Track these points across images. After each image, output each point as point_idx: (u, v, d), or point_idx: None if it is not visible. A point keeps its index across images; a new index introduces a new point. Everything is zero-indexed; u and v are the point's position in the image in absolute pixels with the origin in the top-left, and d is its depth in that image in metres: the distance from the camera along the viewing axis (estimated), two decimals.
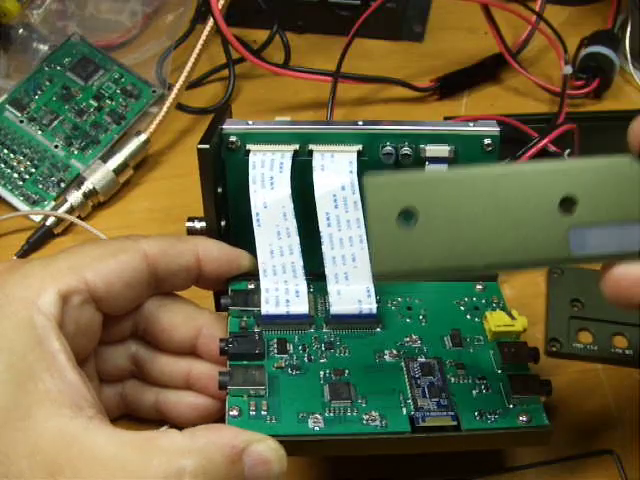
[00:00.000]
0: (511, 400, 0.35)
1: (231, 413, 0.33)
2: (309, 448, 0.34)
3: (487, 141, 0.39)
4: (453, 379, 0.36)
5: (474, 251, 0.29)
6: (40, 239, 0.50)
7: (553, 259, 0.30)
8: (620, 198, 0.29)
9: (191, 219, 0.41)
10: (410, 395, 0.35)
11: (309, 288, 0.38)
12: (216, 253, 0.38)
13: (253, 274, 0.39)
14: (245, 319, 0.37)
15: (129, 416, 0.40)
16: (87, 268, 0.34)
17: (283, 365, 0.36)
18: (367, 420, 0.34)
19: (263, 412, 0.33)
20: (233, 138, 0.39)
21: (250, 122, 0.40)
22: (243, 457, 0.30)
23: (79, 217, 0.51)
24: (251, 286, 0.39)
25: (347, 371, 0.36)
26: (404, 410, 0.34)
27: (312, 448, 0.34)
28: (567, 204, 0.29)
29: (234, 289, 0.39)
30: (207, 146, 0.37)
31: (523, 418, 0.34)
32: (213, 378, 0.36)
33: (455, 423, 0.34)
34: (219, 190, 0.39)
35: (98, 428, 0.29)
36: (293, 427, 0.33)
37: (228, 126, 0.39)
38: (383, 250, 0.29)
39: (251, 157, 0.39)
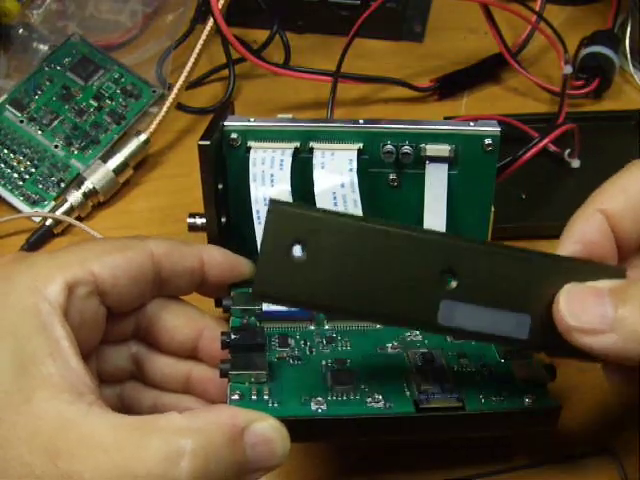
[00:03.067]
0: (516, 384, 0.35)
1: (232, 397, 0.33)
2: (311, 431, 0.34)
3: (487, 141, 0.40)
4: (456, 367, 0.36)
5: (349, 296, 0.30)
6: (40, 239, 0.50)
7: (420, 323, 0.31)
8: (507, 287, 0.31)
9: (192, 215, 0.41)
10: (413, 381, 0.35)
11: None
12: (220, 258, 0.38)
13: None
14: (246, 318, 0.37)
15: None
16: (94, 261, 0.34)
17: (285, 356, 0.36)
18: (370, 402, 0.34)
19: (265, 396, 0.33)
20: (234, 135, 0.39)
21: (251, 119, 0.40)
22: (244, 436, 0.30)
23: (79, 217, 0.51)
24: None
25: (349, 360, 0.36)
26: (407, 393, 0.34)
27: (315, 431, 0.34)
28: (448, 275, 0.31)
29: (236, 292, 0.39)
30: (208, 142, 0.37)
31: (529, 399, 0.34)
32: (213, 381, 0.36)
33: (460, 404, 0.33)
34: (219, 187, 0.39)
35: (97, 413, 0.29)
36: (296, 409, 0.33)
37: (229, 123, 0.40)
38: (267, 273, 0.30)
39: (252, 154, 0.39)
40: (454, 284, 0.31)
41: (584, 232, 0.34)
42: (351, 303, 0.31)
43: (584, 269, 0.32)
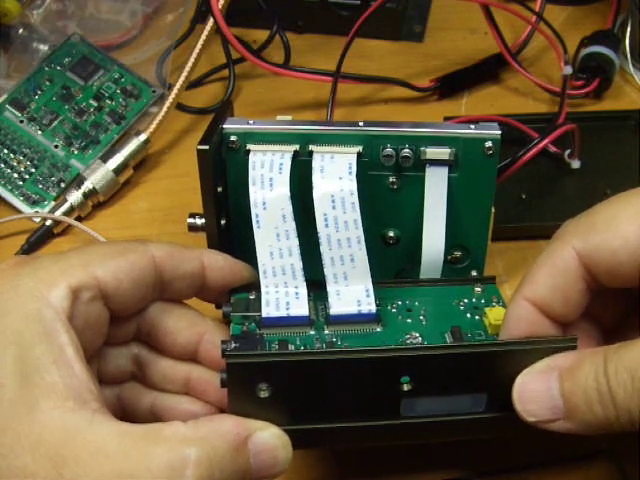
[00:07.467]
0: None
1: None
2: (312, 438, 0.34)
3: (488, 144, 0.39)
4: None
5: (320, 416, 0.33)
6: (40, 239, 0.50)
7: (384, 419, 0.34)
8: (460, 379, 0.33)
9: (192, 215, 0.41)
10: None
11: (309, 296, 0.38)
12: (221, 262, 0.38)
13: (254, 286, 0.39)
14: (247, 324, 0.37)
15: (125, 420, 0.40)
16: (98, 264, 0.34)
17: None
18: None
19: None
20: (233, 138, 0.39)
21: (251, 121, 0.40)
22: (248, 445, 0.30)
23: (79, 217, 0.51)
24: (252, 297, 0.39)
25: None
26: None
27: (315, 438, 0.34)
28: (403, 381, 0.33)
29: (235, 298, 0.39)
30: (207, 147, 0.37)
31: None
32: (212, 384, 0.37)
33: None
34: (219, 189, 0.39)
35: (102, 421, 0.29)
36: None
37: (228, 125, 0.39)
38: (240, 413, 0.32)
39: (251, 157, 0.39)
40: (409, 387, 0.33)
41: (513, 324, 0.34)
42: (322, 421, 0.33)
43: (535, 346, 0.33)
